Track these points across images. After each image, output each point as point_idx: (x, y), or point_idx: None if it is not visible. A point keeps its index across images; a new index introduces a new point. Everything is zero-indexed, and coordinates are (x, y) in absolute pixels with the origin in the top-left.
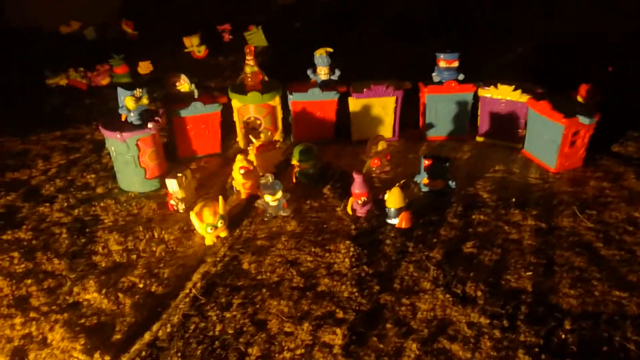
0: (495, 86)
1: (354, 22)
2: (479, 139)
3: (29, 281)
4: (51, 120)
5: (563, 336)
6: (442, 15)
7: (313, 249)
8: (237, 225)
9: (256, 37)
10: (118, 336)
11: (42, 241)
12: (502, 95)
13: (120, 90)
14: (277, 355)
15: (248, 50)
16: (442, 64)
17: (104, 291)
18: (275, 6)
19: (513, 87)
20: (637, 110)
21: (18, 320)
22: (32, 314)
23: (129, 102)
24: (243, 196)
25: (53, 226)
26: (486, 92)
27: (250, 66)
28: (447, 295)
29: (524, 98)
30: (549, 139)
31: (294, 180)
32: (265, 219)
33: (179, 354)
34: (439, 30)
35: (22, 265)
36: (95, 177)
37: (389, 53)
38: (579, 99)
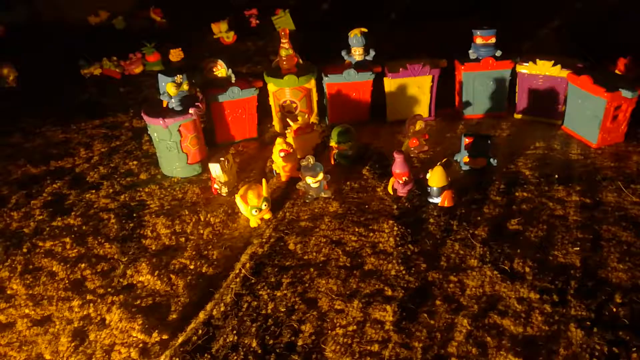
0: (534, 62)
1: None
2: (517, 116)
3: (83, 265)
4: (89, 109)
5: (614, 309)
6: None
7: (357, 229)
8: (280, 208)
9: (283, 21)
10: (174, 316)
11: (91, 226)
12: (541, 70)
13: (161, 76)
14: (329, 331)
15: (283, 34)
16: (478, 40)
17: (156, 273)
18: None
19: (552, 62)
20: None
21: (76, 302)
22: (88, 297)
23: (170, 88)
24: (283, 179)
25: (101, 212)
26: (524, 68)
27: (285, 49)
28: (495, 272)
29: (564, 73)
30: (591, 113)
31: (332, 162)
32: (307, 201)
33: (235, 332)
34: (468, 10)
35: (75, 250)
36: (137, 163)
37: (419, 33)
38: (617, 72)
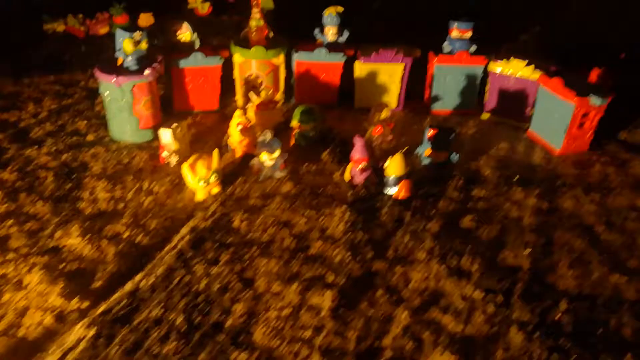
0: (508, 59)
1: None
2: (485, 115)
3: (10, 222)
4: (46, 65)
5: (558, 316)
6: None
7: (308, 212)
8: (231, 183)
9: None
10: (98, 283)
11: (26, 183)
12: (514, 70)
13: (119, 32)
14: (262, 313)
15: (255, 2)
16: (454, 33)
17: (87, 237)
18: None
19: (526, 62)
20: None
21: None
22: (10, 255)
23: (127, 45)
24: (237, 155)
25: (39, 169)
26: (497, 66)
27: (256, 19)
28: (442, 267)
29: (536, 74)
30: (558, 118)
31: (292, 142)
32: (260, 179)
33: (161, 305)
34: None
35: (4, 206)
36: (86, 123)
37: (400, 25)
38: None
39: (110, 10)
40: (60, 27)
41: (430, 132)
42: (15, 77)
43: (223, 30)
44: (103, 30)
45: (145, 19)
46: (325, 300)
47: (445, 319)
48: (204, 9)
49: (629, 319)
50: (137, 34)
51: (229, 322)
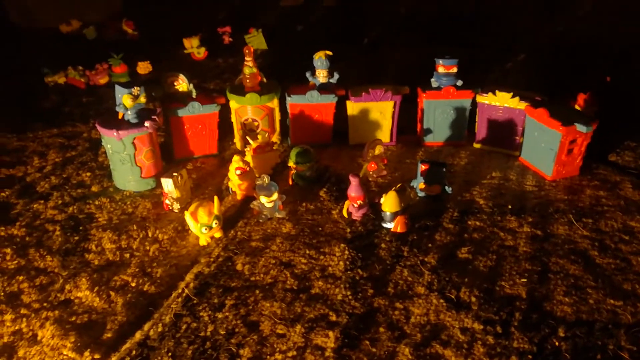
0: (494, 93)
1: (357, 26)
2: (476, 145)
3: (21, 277)
4: (48, 117)
5: (557, 343)
6: (443, 21)
7: (307, 252)
8: (232, 226)
9: (256, 40)
10: (109, 335)
11: (35, 238)
12: (500, 102)
13: (118, 88)
14: (268, 356)
15: (247, 51)
16: (440, 69)
17: (96, 289)
18: (280, 7)
19: (511, 94)
20: (634, 119)
21: (8, 316)
22: (22, 311)
23: (126, 100)
24: (239, 197)
25: (47, 223)
26: (484, 99)
27: (249, 67)
28: (441, 300)
29: (522, 105)
30: (546, 146)
31: (290, 183)
32: (261, 220)
33: (170, 354)
34: (441, 36)
35: (15, 262)
36: (90, 175)
37: (389, 58)
38: (577, 107)
39: (109, 60)
40: (61, 79)
41: (422, 167)
42: (19, 132)
43: (219, 74)
44: (103, 80)
45: (143, 67)
46: (329, 340)
47: (447, 353)
48: (200, 53)
49: (627, 343)
50: (135, 89)
51: None
